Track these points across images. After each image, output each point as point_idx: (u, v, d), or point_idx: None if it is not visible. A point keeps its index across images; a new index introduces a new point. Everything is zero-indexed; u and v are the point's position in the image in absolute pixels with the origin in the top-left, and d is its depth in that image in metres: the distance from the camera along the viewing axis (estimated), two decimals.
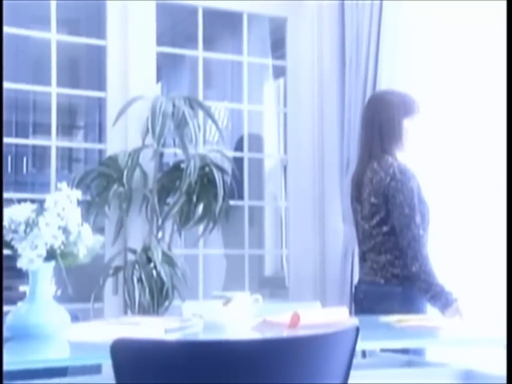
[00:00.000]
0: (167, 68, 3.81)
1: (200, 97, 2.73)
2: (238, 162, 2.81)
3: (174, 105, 2.40)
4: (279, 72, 3.34)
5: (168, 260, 2.32)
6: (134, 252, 2.39)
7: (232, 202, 2.59)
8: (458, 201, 2.46)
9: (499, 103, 2.28)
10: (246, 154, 2.90)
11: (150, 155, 2.46)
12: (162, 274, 2.25)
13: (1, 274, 1.32)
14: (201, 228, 2.58)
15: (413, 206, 1.97)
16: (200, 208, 2.54)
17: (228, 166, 2.66)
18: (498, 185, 2.28)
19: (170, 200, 2.49)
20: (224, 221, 2.52)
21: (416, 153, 2.25)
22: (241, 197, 2.82)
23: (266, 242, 3.43)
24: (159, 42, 2.67)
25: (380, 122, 2.09)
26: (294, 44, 2.91)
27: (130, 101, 2.48)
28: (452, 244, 2.42)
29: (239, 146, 3.04)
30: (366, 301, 2.09)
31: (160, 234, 2.50)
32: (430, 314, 1.99)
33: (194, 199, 2.50)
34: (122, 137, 2.56)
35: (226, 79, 3.65)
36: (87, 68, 4.36)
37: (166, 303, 2.30)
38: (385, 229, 2.03)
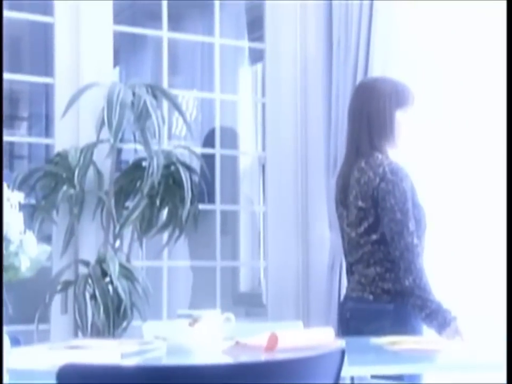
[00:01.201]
0: (126, 50, 3.80)
1: (165, 84, 2.73)
2: (209, 160, 2.82)
3: (134, 94, 2.41)
4: (257, 57, 3.35)
5: (127, 273, 2.32)
6: (86, 264, 2.39)
7: (201, 207, 2.60)
8: (458, 205, 2.51)
9: (499, 97, 2.34)
10: (218, 151, 2.91)
11: (105, 151, 2.45)
12: (120, 290, 2.26)
13: (1, 277, 1.36)
14: (165, 236, 2.58)
15: (406, 210, 1.99)
16: (165, 213, 2.54)
17: (196, 165, 2.67)
18: (503, 186, 2.32)
19: (129, 204, 2.49)
20: (193, 228, 2.53)
21: (410, 150, 2.28)
22: (212, 200, 2.83)
23: (241, 252, 3.44)
24: (117, 20, 2.67)
25: (369, 113, 2.11)
26: (274, 24, 2.93)
27: (83, 89, 2.48)
28: (451, 254, 2.47)
29: (209, 142, 3.05)
30: (353, 321, 2.10)
31: (117, 244, 2.50)
32: (427, 336, 2.02)
33: (158, 202, 2.51)
34: (73, 130, 2.56)
35: (195, 64, 3.64)
36: (31, 50, 4.33)
37: (124, 324, 2.30)
38: (374, 237, 2.05)
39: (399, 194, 2.00)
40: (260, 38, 3.03)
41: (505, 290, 1.92)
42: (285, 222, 2.92)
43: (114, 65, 2.78)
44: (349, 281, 2.20)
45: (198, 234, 2.61)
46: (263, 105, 3.09)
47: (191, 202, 2.46)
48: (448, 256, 2.45)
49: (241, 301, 3.33)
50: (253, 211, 3.49)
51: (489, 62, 2.41)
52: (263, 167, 3.11)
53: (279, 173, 2.95)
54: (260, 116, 3.37)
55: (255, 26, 3.19)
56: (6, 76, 2.68)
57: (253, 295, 3.34)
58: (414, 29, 2.60)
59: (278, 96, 2.96)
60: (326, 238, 2.79)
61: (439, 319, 1.94)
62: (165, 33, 2.78)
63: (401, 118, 2.13)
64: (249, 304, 3.31)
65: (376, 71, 2.59)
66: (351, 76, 2.69)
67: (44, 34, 2.89)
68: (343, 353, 1.21)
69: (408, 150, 2.26)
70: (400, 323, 2.01)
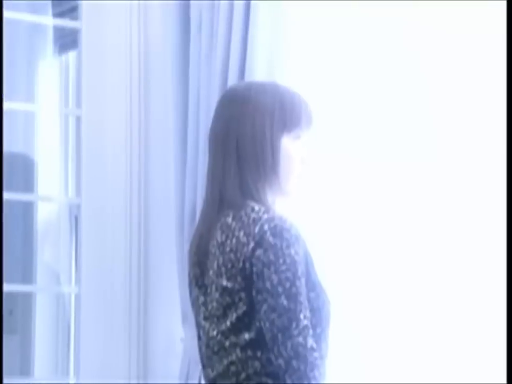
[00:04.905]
0: None
1: None
2: None
3: None
4: (68, 42, 3.34)
5: None
6: None
7: None
8: (378, 279, 2.60)
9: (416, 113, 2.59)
10: None
11: None
12: None
13: (1, 276, 1.70)
14: None
15: (296, 293, 1.99)
16: None
17: None
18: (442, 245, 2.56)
19: None
20: None
21: (305, 198, 2.33)
22: None
23: (37, 363, 3.37)
24: None
25: (239, 140, 2.12)
26: None
27: None
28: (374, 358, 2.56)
29: None
30: None
31: None
32: None
33: None
34: None
35: None
36: None
37: None
38: (246, 336, 2.05)
39: (285, 268, 2.01)
40: (72, 13, 3.04)
41: (506, 292, 2.19)
42: (111, 312, 2.92)
43: None
44: None
45: None
46: (78, 120, 3.09)
47: None
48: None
49: None
50: (59, 294, 3.44)
51: (401, 70, 2.62)
52: (76, 221, 3.10)
53: (101, 231, 2.95)
54: (73, 137, 3.34)
55: None
56: None
57: None
58: (315, 10, 2.71)
59: (101, 106, 2.98)
60: (176, 337, 2.80)
61: None
62: None
63: (291, 147, 2.15)
64: None
65: (258, 73, 2.66)
66: (219, 79, 2.74)
67: None
68: None
69: (302, 197, 2.31)
70: None
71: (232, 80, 2.69)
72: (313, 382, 1.98)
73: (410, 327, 2.61)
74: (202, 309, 2.16)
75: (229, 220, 2.11)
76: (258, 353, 2.06)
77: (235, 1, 2.70)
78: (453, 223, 2.56)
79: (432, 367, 2.57)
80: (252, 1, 2.67)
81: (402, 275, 2.61)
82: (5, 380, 2.78)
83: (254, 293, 2.04)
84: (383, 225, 2.64)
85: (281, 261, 2.01)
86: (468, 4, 2.50)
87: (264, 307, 2.02)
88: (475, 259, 2.53)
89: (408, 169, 2.61)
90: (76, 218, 3.11)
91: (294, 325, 1.99)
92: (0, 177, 2.25)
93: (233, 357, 2.09)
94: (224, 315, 2.08)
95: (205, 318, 2.16)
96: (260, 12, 2.67)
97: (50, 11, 3.34)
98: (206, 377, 2.22)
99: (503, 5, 2.32)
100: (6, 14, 2.93)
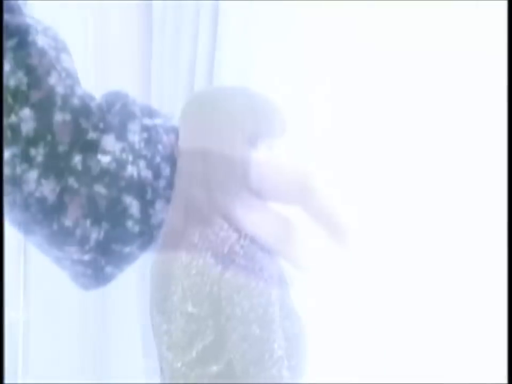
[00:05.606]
0: None
1: None
2: None
3: None
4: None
5: None
6: None
7: None
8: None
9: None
10: None
11: None
12: None
13: (2, 269, 1.89)
14: None
15: (269, 321, 2.00)
16: None
17: None
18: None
19: None
20: None
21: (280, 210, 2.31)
22: None
23: None
24: None
25: (206, 151, 2.11)
26: None
27: None
28: None
29: None
30: None
31: None
32: None
33: None
34: None
35: None
36: None
37: None
38: (215, 368, 2.05)
39: (258, 293, 2.00)
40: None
41: (506, 291, 2.31)
42: (64, 341, 2.95)
43: None
44: None
45: None
46: None
47: None
48: None
49: None
50: (10, 321, 3.41)
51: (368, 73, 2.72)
52: (25, 240, 3.06)
53: None
54: None
55: None
56: None
57: None
58: (286, 12, 2.74)
59: None
60: (137, 371, 2.86)
61: None
62: None
63: (262, 158, 2.16)
64: None
65: (226, 77, 2.67)
66: (185, 82, 2.76)
67: None
68: None
69: (277, 211, 2.29)
70: None
71: (199, 84, 2.70)
72: None
73: (409, 330, 2.73)
74: (165, 338, 2.15)
75: (195, 239, 2.09)
76: None
77: (202, 1, 2.70)
78: (452, 226, 2.66)
79: (432, 367, 2.68)
80: (220, 1, 2.68)
81: (400, 281, 2.73)
82: None
83: (222, 320, 2.03)
84: (378, 229, 2.76)
85: (253, 284, 2.01)
86: (468, 4, 2.54)
87: (234, 336, 2.01)
88: (474, 261, 2.64)
89: (400, 178, 2.70)
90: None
91: (267, 356, 1.99)
92: (0, 178, 2.29)
93: None
94: (190, 344, 2.07)
95: (168, 348, 2.14)
96: (229, 13, 2.68)
97: None
98: None
99: (504, 5, 2.36)
100: None
